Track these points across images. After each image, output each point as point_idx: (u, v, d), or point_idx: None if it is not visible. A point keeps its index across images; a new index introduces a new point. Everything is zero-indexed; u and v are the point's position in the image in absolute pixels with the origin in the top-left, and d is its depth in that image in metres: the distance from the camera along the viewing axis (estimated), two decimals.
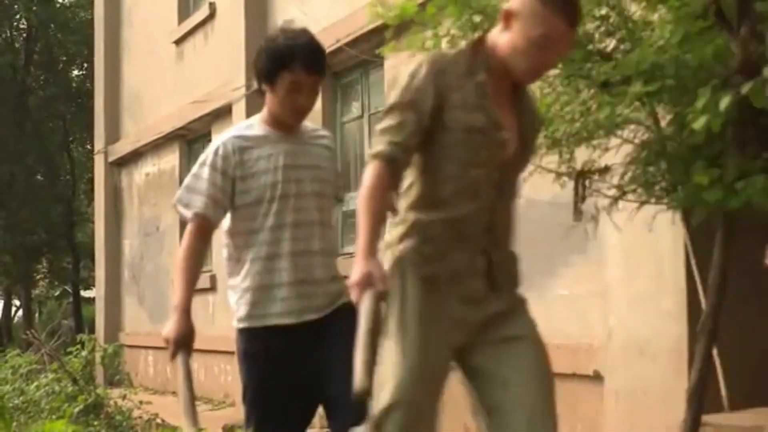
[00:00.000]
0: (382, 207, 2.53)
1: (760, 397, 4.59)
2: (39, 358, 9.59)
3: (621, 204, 3.77)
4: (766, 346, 4.75)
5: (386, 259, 2.57)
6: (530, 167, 3.32)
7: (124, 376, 11.79)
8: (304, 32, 3.12)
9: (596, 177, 3.84)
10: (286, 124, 3.14)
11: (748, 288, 4.37)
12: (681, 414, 3.68)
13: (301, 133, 3.20)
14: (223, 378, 9.60)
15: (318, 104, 3.41)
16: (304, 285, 3.06)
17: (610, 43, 3.64)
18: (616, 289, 5.06)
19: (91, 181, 16.94)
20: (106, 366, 11.67)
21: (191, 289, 3.06)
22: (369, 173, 2.52)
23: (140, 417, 7.68)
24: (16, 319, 28.07)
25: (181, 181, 11.44)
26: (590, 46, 3.59)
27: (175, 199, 3.17)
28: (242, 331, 3.13)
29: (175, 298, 3.04)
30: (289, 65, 3.01)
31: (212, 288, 9.68)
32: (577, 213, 3.95)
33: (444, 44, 3.78)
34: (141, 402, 7.84)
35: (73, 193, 21.93)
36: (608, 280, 5.11)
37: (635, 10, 3.59)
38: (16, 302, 27.68)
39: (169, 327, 3.00)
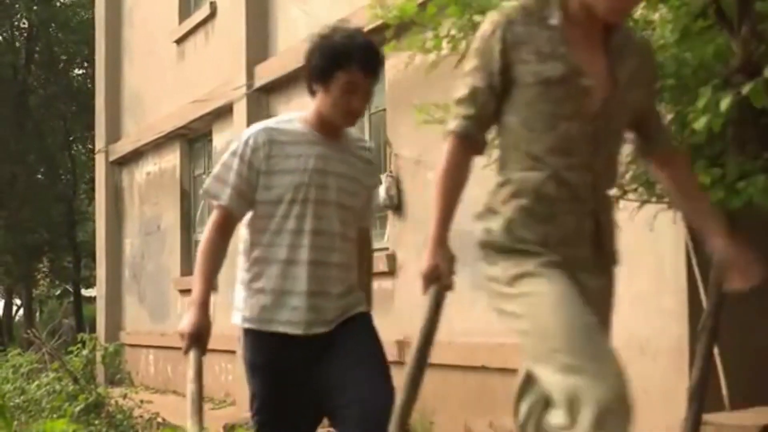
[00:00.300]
0: (456, 188, 2.45)
1: (761, 396, 4.59)
2: (40, 357, 9.61)
3: (622, 203, 3.76)
4: (766, 345, 4.76)
5: (489, 222, 2.46)
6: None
7: (125, 375, 11.80)
8: (360, 32, 2.99)
9: None
10: (333, 126, 2.99)
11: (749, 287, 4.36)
12: (682, 413, 3.68)
13: (343, 139, 3.05)
14: (224, 377, 9.58)
15: None
16: (318, 297, 2.95)
17: None
18: (617, 288, 5.04)
19: (92, 180, 16.91)
20: (107, 365, 11.70)
21: (210, 282, 2.94)
22: (445, 152, 2.45)
23: (141, 416, 7.70)
24: (17, 318, 28.13)
25: (181, 181, 11.48)
26: None
27: (203, 188, 3.07)
28: (248, 333, 3.06)
29: (194, 292, 2.93)
30: (346, 65, 2.87)
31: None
32: None
33: (444, 44, 3.78)
34: (142, 401, 7.86)
35: (74, 192, 21.95)
36: None
37: (636, 10, 3.58)
38: (17, 301, 27.71)
39: (185, 321, 2.89)
